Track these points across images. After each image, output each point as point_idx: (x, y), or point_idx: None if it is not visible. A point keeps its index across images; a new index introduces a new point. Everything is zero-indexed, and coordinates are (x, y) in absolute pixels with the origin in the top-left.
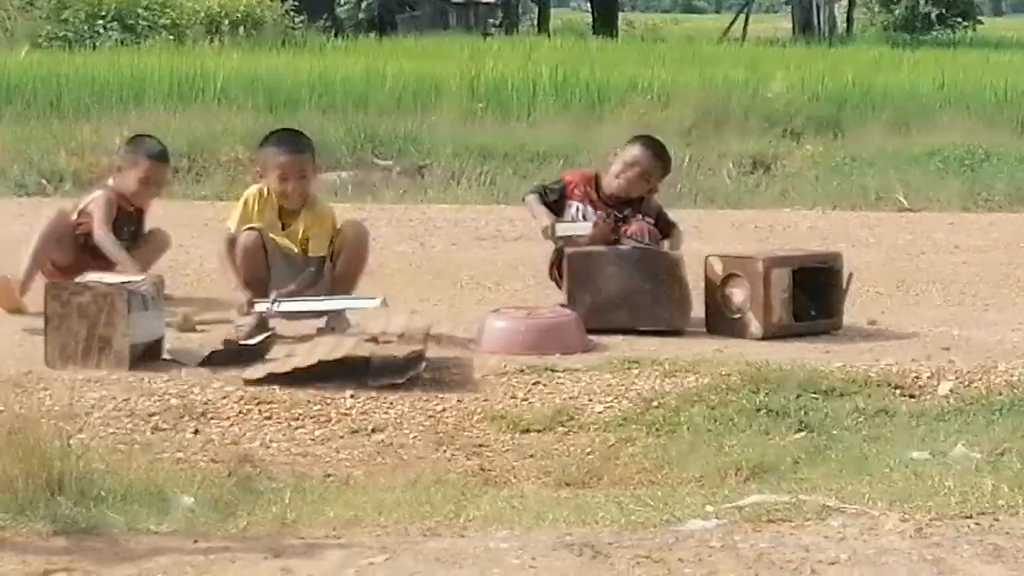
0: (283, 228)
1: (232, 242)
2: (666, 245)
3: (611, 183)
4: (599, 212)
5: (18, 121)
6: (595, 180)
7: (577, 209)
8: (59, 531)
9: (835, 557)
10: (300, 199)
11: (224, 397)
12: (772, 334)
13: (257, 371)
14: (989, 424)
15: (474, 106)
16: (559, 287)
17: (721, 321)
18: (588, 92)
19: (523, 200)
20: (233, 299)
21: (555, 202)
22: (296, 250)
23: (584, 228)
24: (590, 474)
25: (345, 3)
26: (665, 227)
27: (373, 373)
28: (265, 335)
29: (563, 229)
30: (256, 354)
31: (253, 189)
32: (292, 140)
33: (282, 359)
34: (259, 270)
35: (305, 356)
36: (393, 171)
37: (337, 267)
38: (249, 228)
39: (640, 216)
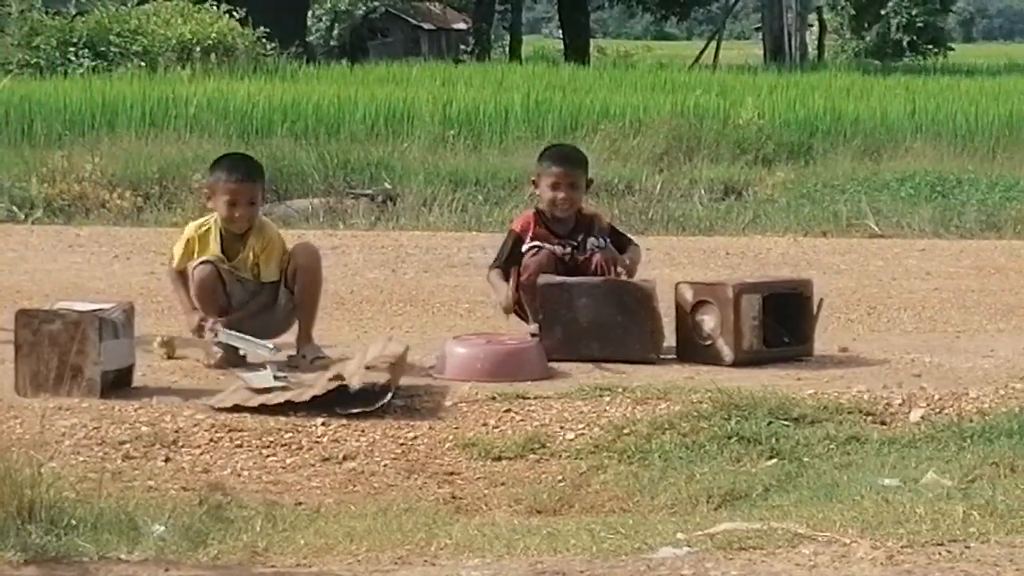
0: (229, 259)
1: (181, 274)
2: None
3: (553, 211)
4: (555, 247)
5: None
6: (538, 216)
7: (538, 249)
8: (30, 560)
9: None
10: (247, 224)
11: (195, 425)
12: (743, 360)
13: (225, 401)
14: (960, 451)
15: (446, 133)
16: (524, 321)
17: (692, 348)
18: (560, 119)
19: (488, 279)
20: (187, 322)
21: (519, 258)
22: (250, 276)
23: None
24: (561, 502)
25: (317, 30)
26: (621, 243)
27: (343, 401)
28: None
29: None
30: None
31: (192, 227)
32: (243, 166)
33: (251, 393)
34: (218, 300)
35: (273, 396)
36: (378, 197)
37: (295, 293)
38: (203, 262)
39: (596, 240)
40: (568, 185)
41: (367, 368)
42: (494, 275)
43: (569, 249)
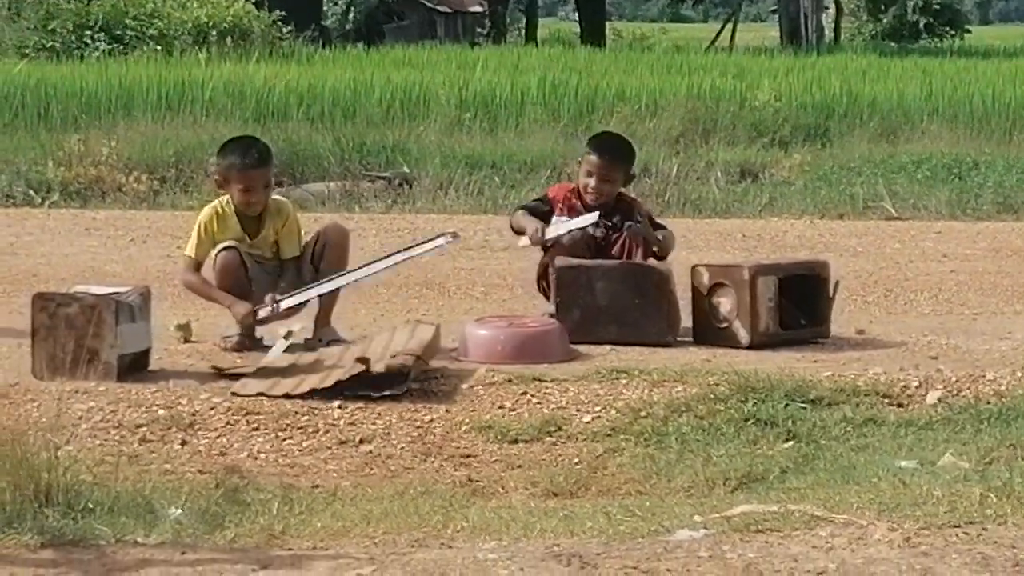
0: (250, 239)
1: (198, 268)
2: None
3: (586, 196)
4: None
5: (6, 131)
6: (578, 191)
7: (564, 223)
8: (47, 543)
9: (823, 567)
10: (262, 207)
11: (212, 408)
12: (759, 342)
13: (247, 388)
14: (977, 433)
15: (462, 116)
16: (547, 298)
17: (709, 330)
18: (576, 101)
19: (510, 223)
20: (234, 313)
21: (542, 216)
22: (269, 255)
23: (585, 220)
24: (578, 484)
25: (333, 13)
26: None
27: (367, 384)
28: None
29: (553, 230)
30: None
31: (207, 212)
32: (254, 152)
33: (273, 381)
34: (241, 286)
35: (297, 383)
36: (394, 181)
37: (322, 268)
38: (226, 247)
39: (629, 224)
40: (600, 177)
41: (392, 357)
42: (520, 213)
43: (603, 230)
